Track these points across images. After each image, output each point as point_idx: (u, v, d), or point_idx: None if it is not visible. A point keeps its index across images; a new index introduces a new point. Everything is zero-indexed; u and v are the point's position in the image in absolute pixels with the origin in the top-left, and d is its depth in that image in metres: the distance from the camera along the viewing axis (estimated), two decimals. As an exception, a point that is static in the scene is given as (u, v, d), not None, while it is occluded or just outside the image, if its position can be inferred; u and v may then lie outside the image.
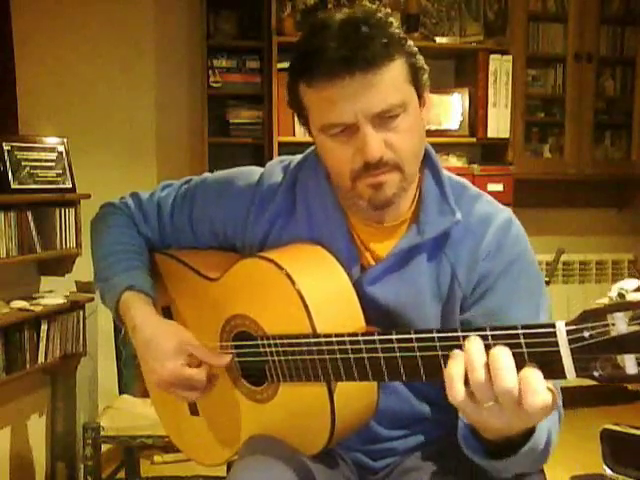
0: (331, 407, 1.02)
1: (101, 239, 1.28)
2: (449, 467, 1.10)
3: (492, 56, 3.25)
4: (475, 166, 3.26)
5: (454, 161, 3.34)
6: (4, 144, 2.36)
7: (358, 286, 1.09)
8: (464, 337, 0.81)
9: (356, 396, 1.06)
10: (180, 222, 1.26)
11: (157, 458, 2.96)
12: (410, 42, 1.05)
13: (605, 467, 2.29)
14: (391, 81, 1.00)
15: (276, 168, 1.22)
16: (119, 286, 1.17)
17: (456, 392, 0.79)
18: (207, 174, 1.30)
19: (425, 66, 1.07)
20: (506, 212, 1.13)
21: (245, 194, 1.20)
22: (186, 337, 1.13)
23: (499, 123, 3.27)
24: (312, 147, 1.20)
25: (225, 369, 1.16)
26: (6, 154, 2.35)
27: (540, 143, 3.58)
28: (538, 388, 0.75)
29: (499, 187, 3.18)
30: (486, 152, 3.49)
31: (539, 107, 3.58)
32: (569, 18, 3.43)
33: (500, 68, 3.25)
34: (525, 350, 0.77)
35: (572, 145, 3.47)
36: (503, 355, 0.77)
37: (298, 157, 1.22)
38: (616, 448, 2.26)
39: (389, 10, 1.05)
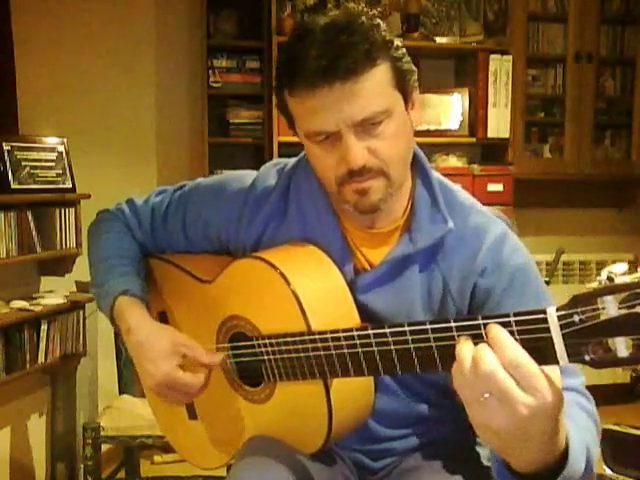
0: (328, 406, 1.02)
1: (96, 245, 1.28)
2: (448, 467, 1.10)
3: (492, 56, 3.25)
4: (475, 166, 3.26)
5: (454, 161, 3.34)
6: (4, 144, 2.36)
7: (350, 293, 1.09)
8: (457, 327, 0.82)
9: (353, 395, 1.06)
10: (174, 227, 1.26)
11: (157, 458, 2.96)
12: (397, 43, 1.03)
13: (605, 467, 2.28)
14: (373, 88, 0.98)
15: (270, 171, 1.21)
16: (113, 291, 1.17)
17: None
18: (200, 179, 1.30)
19: (413, 68, 1.05)
20: (500, 224, 1.12)
21: (238, 197, 1.20)
22: (179, 338, 1.13)
23: (499, 123, 3.27)
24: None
25: (222, 371, 1.16)
26: (6, 154, 2.35)
27: (540, 143, 3.59)
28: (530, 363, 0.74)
29: (499, 187, 3.18)
30: (486, 152, 3.49)
31: (539, 107, 3.58)
32: (569, 18, 3.43)
33: (500, 68, 3.25)
34: (517, 337, 0.77)
35: (572, 145, 3.47)
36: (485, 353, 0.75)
37: (293, 160, 1.22)
38: (616, 448, 2.26)
39: (375, 12, 1.02)
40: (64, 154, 2.56)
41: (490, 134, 3.27)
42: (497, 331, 0.76)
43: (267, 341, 1.06)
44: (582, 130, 3.47)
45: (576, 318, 0.72)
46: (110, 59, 2.97)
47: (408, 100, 1.05)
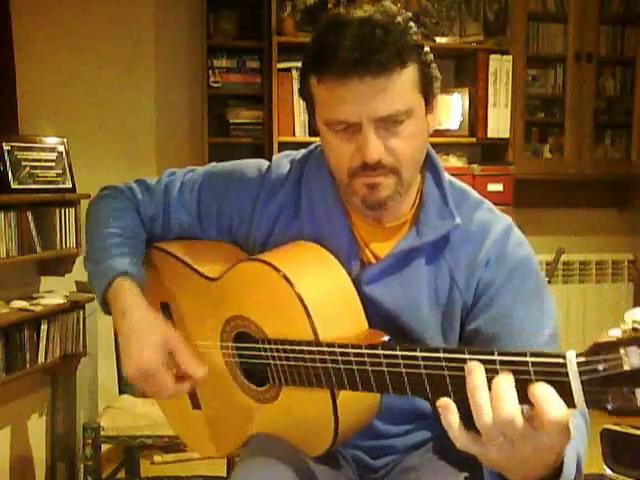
0: (334, 411, 1.02)
1: (99, 219, 1.25)
2: (449, 466, 1.11)
3: (492, 56, 3.25)
4: (475, 166, 3.26)
5: (454, 161, 3.34)
6: (4, 144, 2.36)
7: (356, 285, 1.09)
8: (471, 359, 0.80)
9: (359, 397, 1.05)
10: (186, 209, 1.24)
11: (157, 458, 2.96)
12: (427, 49, 1.05)
13: (605, 467, 2.28)
14: (400, 87, 0.99)
15: (283, 161, 1.22)
16: (113, 270, 1.15)
17: (456, 439, 0.78)
18: (214, 163, 1.29)
19: (438, 75, 1.07)
20: (506, 220, 1.13)
21: (253, 185, 1.20)
22: (172, 335, 1.12)
23: (499, 123, 3.27)
24: (316, 143, 1.20)
25: (226, 366, 1.16)
26: (6, 154, 2.35)
27: (540, 143, 3.58)
28: (554, 398, 0.73)
29: (499, 187, 3.18)
30: (486, 152, 3.49)
31: (539, 107, 3.58)
32: (569, 18, 3.43)
33: (500, 68, 3.25)
34: (533, 378, 0.75)
35: (572, 145, 3.47)
36: (502, 386, 0.75)
37: (302, 151, 1.22)
38: (616, 448, 2.25)
39: (410, 14, 1.04)
40: (64, 154, 2.56)
41: (490, 134, 3.27)
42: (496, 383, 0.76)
43: (274, 346, 1.05)
44: (582, 130, 3.47)
45: (598, 366, 0.71)
46: (110, 59, 2.97)
47: (429, 104, 1.06)
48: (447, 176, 1.15)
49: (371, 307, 1.08)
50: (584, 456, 0.93)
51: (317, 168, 1.17)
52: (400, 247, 1.10)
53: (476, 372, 0.77)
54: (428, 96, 1.06)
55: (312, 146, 1.21)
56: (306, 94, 1.08)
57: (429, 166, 1.14)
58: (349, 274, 1.10)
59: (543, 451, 0.77)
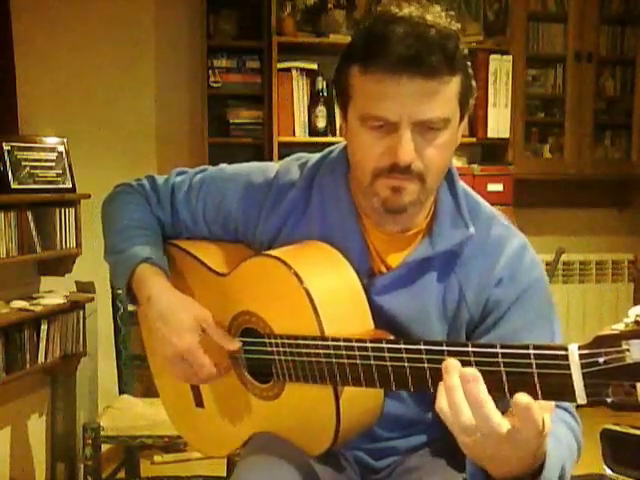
0: (336, 410, 1.02)
1: (116, 214, 1.26)
2: (450, 467, 1.10)
3: (492, 56, 3.25)
4: (475, 166, 3.26)
5: (454, 161, 3.33)
6: (4, 144, 2.36)
7: (365, 293, 1.08)
8: (474, 353, 0.81)
9: (362, 398, 1.05)
10: (194, 210, 1.25)
11: (157, 458, 2.96)
12: (469, 62, 1.05)
13: (605, 467, 2.28)
14: (445, 95, 0.98)
15: (292, 166, 1.20)
16: (135, 257, 1.16)
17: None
18: (223, 165, 1.28)
19: (475, 87, 1.06)
20: (520, 237, 1.12)
21: (260, 190, 1.19)
22: (202, 313, 1.13)
23: (499, 123, 3.27)
24: (330, 147, 1.19)
25: (231, 364, 1.16)
26: (6, 154, 2.35)
27: (540, 143, 3.58)
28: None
29: (499, 187, 3.18)
30: (486, 152, 3.49)
31: (539, 107, 3.58)
32: (569, 18, 3.43)
33: (500, 68, 3.25)
34: (535, 370, 0.76)
35: (572, 145, 3.47)
36: (477, 388, 0.77)
37: (316, 156, 1.20)
38: (616, 448, 2.25)
39: (459, 25, 1.03)
40: (64, 154, 2.56)
41: (490, 134, 3.27)
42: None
43: (279, 341, 1.06)
44: (582, 130, 3.47)
45: (599, 359, 0.71)
46: (110, 59, 2.97)
47: (462, 118, 1.06)
48: (462, 185, 1.14)
49: (379, 316, 1.08)
50: (569, 474, 0.94)
51: (331, 174, 1.15)
52: (413, 257, 1.09)
53: (454, 371, 0.79)
54: (464, 109, 1.05)
55: (326, 151, 1.19)
56: (343, 84, 1.04)
57: (446, 176, 1.13)
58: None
59: (517, 446, 0.78)
